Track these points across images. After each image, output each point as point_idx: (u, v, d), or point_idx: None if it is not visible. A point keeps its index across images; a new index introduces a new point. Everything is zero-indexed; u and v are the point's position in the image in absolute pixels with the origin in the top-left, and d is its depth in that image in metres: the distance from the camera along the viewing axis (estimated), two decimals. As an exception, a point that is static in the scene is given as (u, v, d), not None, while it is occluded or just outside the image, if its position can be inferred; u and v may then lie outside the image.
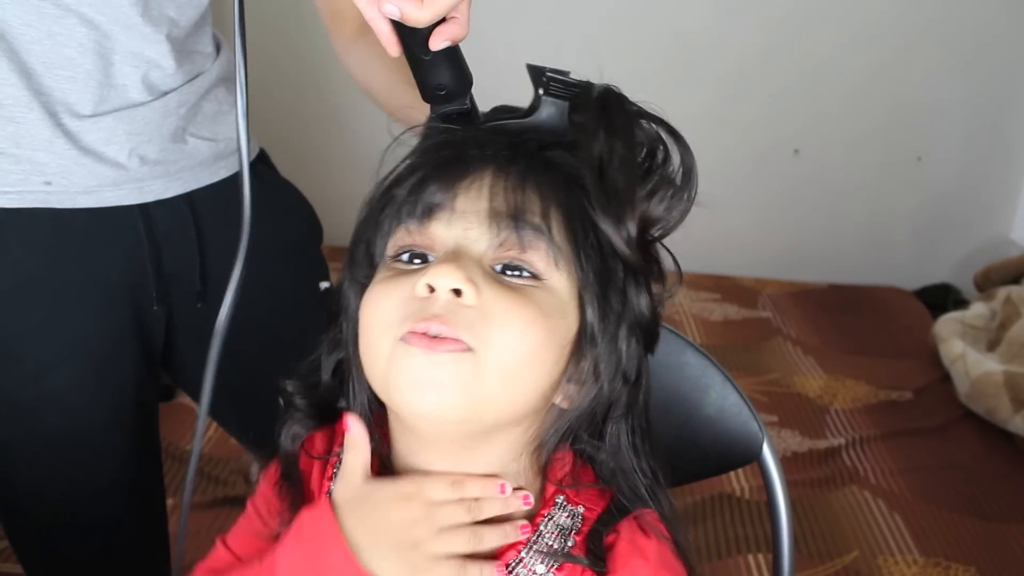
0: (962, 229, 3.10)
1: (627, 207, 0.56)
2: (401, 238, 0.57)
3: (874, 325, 2.80)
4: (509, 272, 0.55)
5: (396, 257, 0.57)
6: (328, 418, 0.66)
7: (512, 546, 0.57)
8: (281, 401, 0.67)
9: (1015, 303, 2.45)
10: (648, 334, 0.60)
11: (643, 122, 0.59)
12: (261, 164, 1.02)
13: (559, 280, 0.56)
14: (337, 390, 0.64)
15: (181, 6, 0.88)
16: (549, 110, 0.61)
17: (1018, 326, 2.37)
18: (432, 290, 0.53)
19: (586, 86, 0.60)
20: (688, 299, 2.85)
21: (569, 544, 0.58)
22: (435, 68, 0.63)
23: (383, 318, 0.55)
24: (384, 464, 0.62)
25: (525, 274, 0.55)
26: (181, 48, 0.89)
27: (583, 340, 0.57)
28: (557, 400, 0.59)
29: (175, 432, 1.88)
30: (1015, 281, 2.65)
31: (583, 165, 0.56)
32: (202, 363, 0.99)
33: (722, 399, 0.85)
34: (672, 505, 0.62)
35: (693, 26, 2.87)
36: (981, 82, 2.93)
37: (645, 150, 0.59)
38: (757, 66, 2.90)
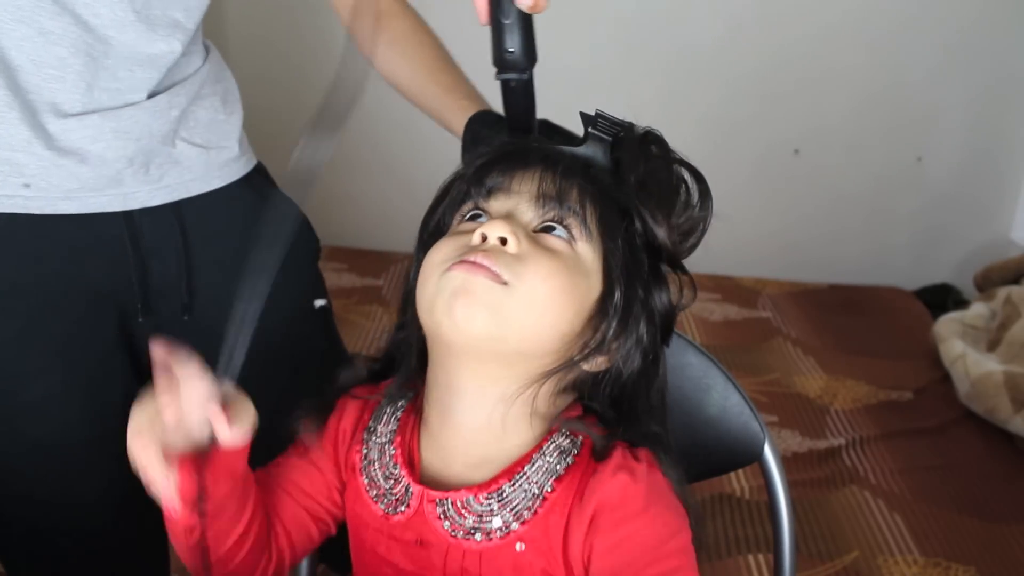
0: (962, 229, 3.10)
1: (666, 212, 0.68)
2: (467, 207, 0.70)
3: (874, 325, 2.80)
4: (549, 230, 0.66)
5: (463, 215, 0.70)
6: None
7: (518, 462, 0.67)
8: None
9: (1015, 303, 2.45)
10: (664, 324, 0.70)
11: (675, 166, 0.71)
12: (258, 176, 1.00)
13: (587, 250, 0.67)
14: (395, 355, 0.74)
15: (189, 9, 0.87)
16: (594, 147, 0.70)
17: (1018, 326, 2.37)
18: (485, 239, 0.64)
19: (629, 126, 0.71)
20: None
21: (568, 462, 0.67)
22: (510, 33, 0.71)
23: (440, 257, 0.66)
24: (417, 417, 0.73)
25: (560, 234, 0.66)
26: (181, 50, 0.87)
27: (605, 308, 0.67)
28: (574, 355, 0.67)
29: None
30: (1015, 281, 2.65)
31: (623, 187, 0.68)
32: None
33: (724, 399, 0.85)
34: (692, 503, 0.69)
35: (694, 29, 2.87)
36: (981, 82, 2.93)
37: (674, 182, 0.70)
38: (757, 66, 2.90)
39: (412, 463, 0.71)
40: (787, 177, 3.05)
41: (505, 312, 0.63)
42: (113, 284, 0.87)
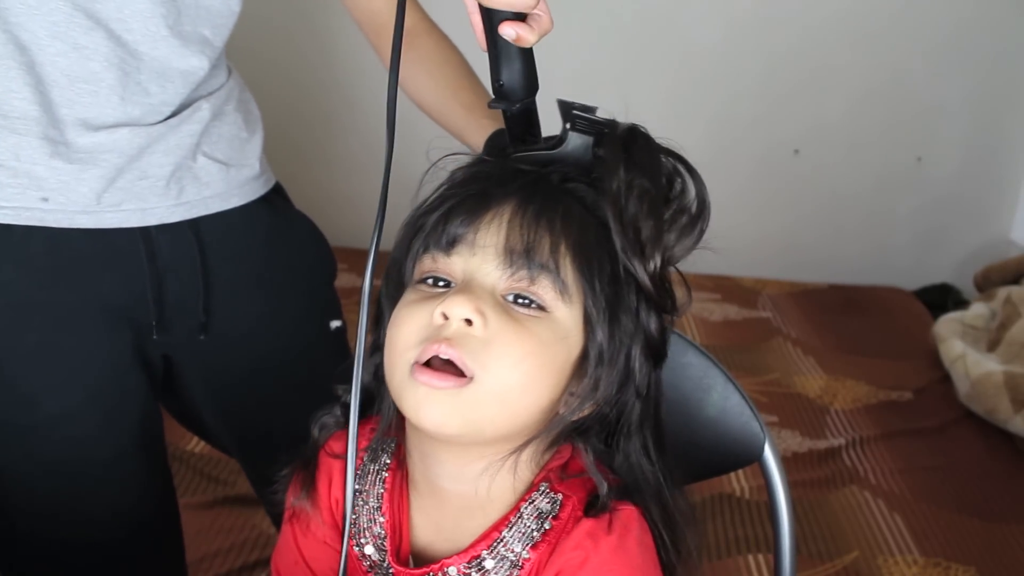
0: (962, 229, 3.10)
1: (649, 243, 0.62)
2: (427, 264, 0.63)
3: (874, 325, 2.80)
4: (519, 301, 0.61)
5: (422, 281, 0.64)
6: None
7: (495, 527, 0.64)
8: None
9: (1015, 303, 2.45)
10: (656, 352, 0.65)
11: (663, 157, 0.65)
12: (276, 196, 0.99)
13: (564, 311, 0.61)
14: (375, 391, 0.69)
15: (217, 27, 0.86)
16: (575, 143, 0.65)
17: (1018, 326, 2.37)
18: (447, 317, 0.59)
19: (611, 123, 0.65)
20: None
21: (546, 527, 0.63)
22: (501, 64, 0.67)
23: (404, 340, 0.61)
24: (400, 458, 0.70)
25: (533, 305, 0.61)
26: (208, 67, 0.87)
27: (587, 360, 0.62)
28: (561, 410, 0.64)
29: (175, 432, 1.87)
30: (1015, 281, 2.65)
31: (604, 198, 0.62)
32: (204, 398, 0.96)
33: (724, 400, 0.85)
34: (685, 506, 0.67)
35: (695, 28, 2.87)
36: (981, 82, 2.93)
37: (664, 180, 0.64)
38: (757, 66, 2.90)
39: (401, 532, 0.68)
40: (787, 177, 3.05)
41: (476, 411, 0.59)
42: (128, 300, 0.87)
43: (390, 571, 0.67)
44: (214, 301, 0.91)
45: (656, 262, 0.62)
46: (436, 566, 0.65)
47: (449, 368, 0.59)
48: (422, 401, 0.59)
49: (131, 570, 0.93)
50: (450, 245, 0.62)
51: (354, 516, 0.68)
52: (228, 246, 0.91)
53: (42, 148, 0.79)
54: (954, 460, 2.11)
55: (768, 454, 0.84)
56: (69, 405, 0.85)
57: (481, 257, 0.61)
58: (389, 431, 0.69)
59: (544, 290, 0.60)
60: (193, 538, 0.92)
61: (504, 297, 0.61)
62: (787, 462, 2.03)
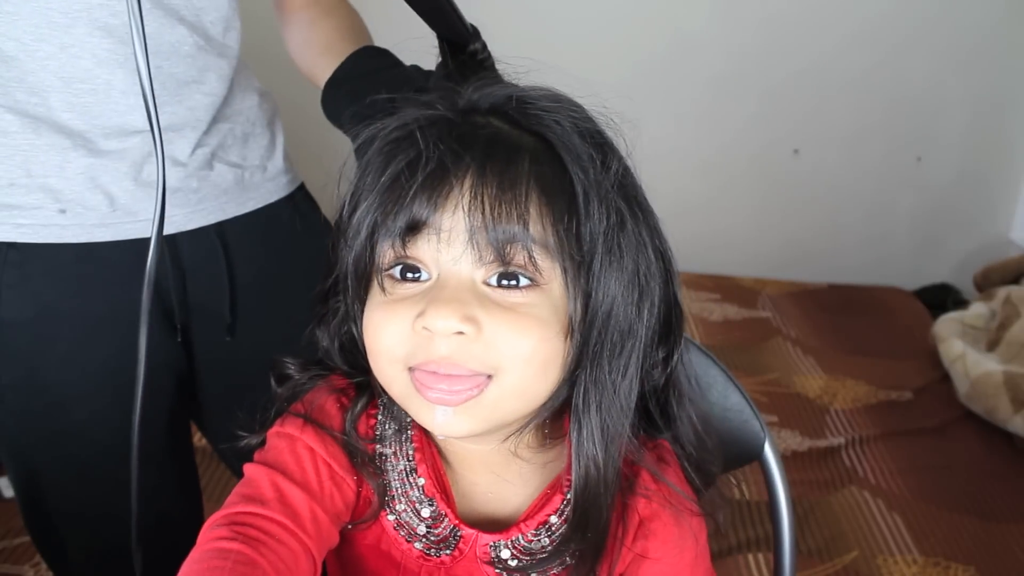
0: (962, 229, 3.10)
1: (603, 151, 0.57)
2: (389, 253, 0.57)
3: (874, 325, 2.80)
4: (504, 282, 0.55)
5: (388, 271, 0.57)
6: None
7: (554, 486, 0.62)
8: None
9: (1015, 303, 2.45)
10: (663, 256, 0.60)
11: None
12: (301, 195, 0.99)
13: (551, 276, 0.56)
14: (353, 361, 0.65)
15: (235, 29, 0.86)
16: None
17: (1018, 326, 2.37)
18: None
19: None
20: (688, 299, 2.84)
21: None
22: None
23: (391, 351, 0.56)
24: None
25: (523, 282, 0.55)
26: (231, 72, 0.87)
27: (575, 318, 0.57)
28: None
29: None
30: (1015, 281, 2.65)
31: (542, 131, 0.57)
32: (224, 402, 0.94)
33: (724, 399, 0.85)
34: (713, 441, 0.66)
35: (692, 24, 2.87)
36: (981, 82, 2.93)
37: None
38: (756, 65, 2.90)
39: (447, 496, 0.63)
40: (787, 177, 3.05)
41: (497, 411, 0.56)
42: (154, 305, 0.85)
43: (456, 533, 0.62)
44: (239, 303, 0.91)
45: (618, 165, 0.58)
46: (515, 530, 0.62)
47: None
48: (441, 423, 0.56)
49: (161, 568, 0.94)
50: (411, 232, 0.55)
51: (384, 481, 0.62)
52: (247, 248, 0.91)
53: (50, 160, 0.79)
54: (954, 460, 2.11)
55: (768, 453, 0.84)
56: (98, 411, 0.85)
57: (451, 244, 0.54)
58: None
59: (523, 262, 0.54)
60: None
61: (487, 282, 0.55)
62: (787, 462, 2.03)
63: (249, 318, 0.92)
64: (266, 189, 0.94)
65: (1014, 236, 3.06)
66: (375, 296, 0.58)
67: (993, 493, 1.99)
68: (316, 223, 0.99)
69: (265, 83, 0.98)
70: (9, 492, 1.76)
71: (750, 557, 1.72)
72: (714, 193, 3.00)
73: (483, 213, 0.53)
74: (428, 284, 0.56)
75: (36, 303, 0.82)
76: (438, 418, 0.56)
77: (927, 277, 3.10)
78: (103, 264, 0.83)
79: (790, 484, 0.85)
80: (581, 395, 0.58)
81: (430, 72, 0.73)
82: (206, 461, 1.80)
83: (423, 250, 0.55)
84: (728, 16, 2.86)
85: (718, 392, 0.85)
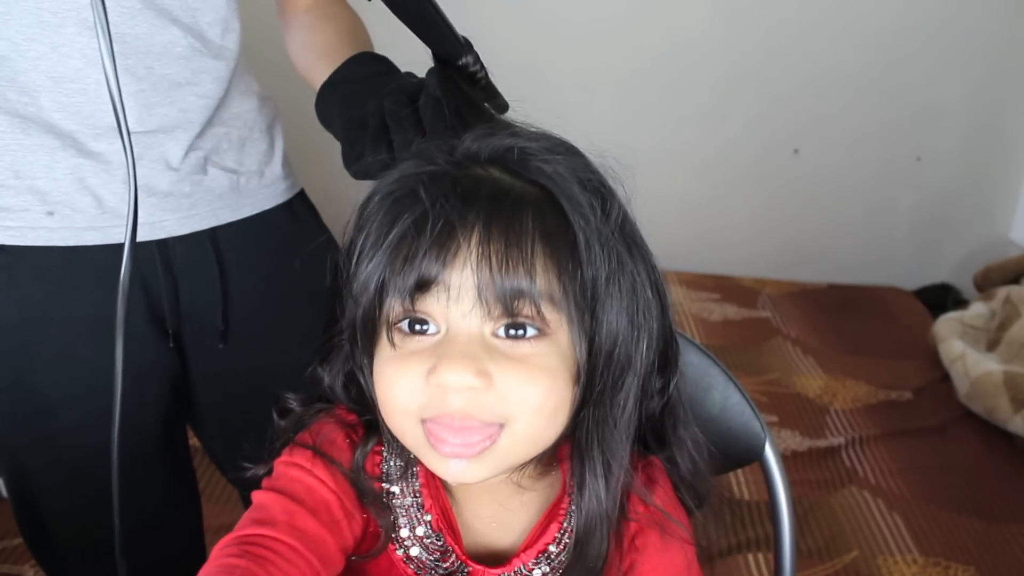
0: (962, 229, 3.10)
1: (604, 197, 0.59)
2: (398, 307, 0.57)
3: (874, 325, 2.80)
4: (512, 332, 0.56)
5: (396, 324, 0.58)
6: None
7: (550, 514, 0.64)
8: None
9: (1015, 303, 2.45)
10: (658, 288, 0.61)
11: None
12: (299, 201, 0.98)
13: (558, 324, 0.57)
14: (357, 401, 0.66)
15: (235, 30, 0.86)
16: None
17: (1018, 326, 2.37)
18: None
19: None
20: (688, 299, 2.84)
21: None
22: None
23: (404, 405, 0.57)
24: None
25: (530, 332, 0.56)
26: (228, 75, 0.86)
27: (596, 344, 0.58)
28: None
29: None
30: (1015, 281, 2.65)
31: (544, 182, 0.58)
32: (218, 409, 0.95)
33: (724, 399, 0.85)
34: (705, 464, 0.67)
35: (693, 25, 2.87)
36: (981, 82, 2.93)
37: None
38: (757, 65, 2.90)
39: (453, 530, 0.65)
40: (787, 176, 3.05)
41: (508, 457, 0.58)
42: (146, 311, 0.86)
43: (463, 570, 0.64)
44: (232, 309, 0.90)
45: (618, 212, 0.59)
46: (517, 561, 0.64)
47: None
48: (455, 472, 0.57)
49: (155, 571, 0.93)
50: (419, 290, 0.55)
51: (391, 517, 0.64)
52: (242, 254, 0.91)
53: (38, 160, 0.78)
54: (954, 460, 2.11)
55: (768, 453, 0.84)
56: (88, 416, 0.84)
57: (460, 300, 0.55)
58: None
59: (531, 314, 0.55)
60: (214, 536, 0.92)
61: (495, 333, 0.56)
62: (787, 462, 2.03)
63: (243, 325, 0.92)
64: (263, 195, 0.93)
65: (1014, 236, 3.06)
66: (384, 350, 0.59)
67: (993, 493, 1.99)
68: (315, 230, 0.98)
69: (268, 87, 0.98)
70: (9, 492, 1.76)
71: (750, 557, 1.72)
72: (715, 193, 3.00)
73: (491, 269, 0.54)
74: (437, 338, 0.57)
75: (24, 307, 0.81)
76: (452, 469, 0.57)
77: (927, 277, 3.10)
78: (91, 268, 0.82)
79: (790, 484, 0.85)
80: (584, 433, 0.59)
81: (422, 80, 0.72)
82: (206, 462, 1.81)
83: (432, 305, 0.56)
84: (730, 19, 2.86)
85: (719, 392, 0.85)
